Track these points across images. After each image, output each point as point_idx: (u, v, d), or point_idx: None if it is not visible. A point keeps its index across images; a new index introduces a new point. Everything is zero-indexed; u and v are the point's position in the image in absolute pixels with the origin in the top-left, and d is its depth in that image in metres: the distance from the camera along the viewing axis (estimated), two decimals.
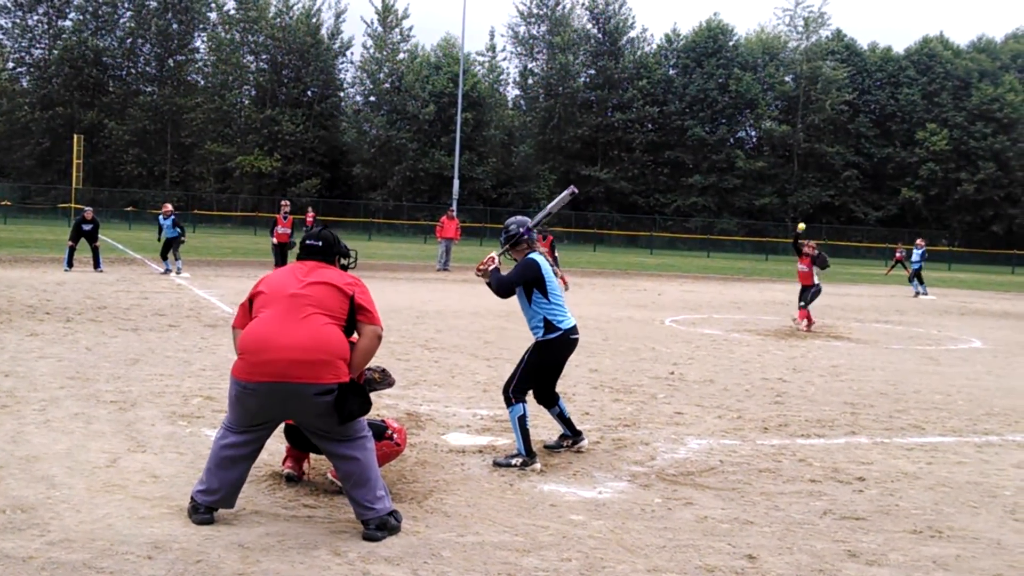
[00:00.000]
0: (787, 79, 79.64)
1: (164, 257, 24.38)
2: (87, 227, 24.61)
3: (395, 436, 6.38)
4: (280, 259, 25.29)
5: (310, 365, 5.29)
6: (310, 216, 42.22)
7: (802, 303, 18.11)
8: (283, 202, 27.32)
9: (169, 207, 24.89)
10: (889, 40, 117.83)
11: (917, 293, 31.31)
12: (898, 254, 46.61)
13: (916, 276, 32.15)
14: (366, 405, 5.49)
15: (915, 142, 76.71)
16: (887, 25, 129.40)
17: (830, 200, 77.65)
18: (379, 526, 5.35)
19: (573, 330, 7.32)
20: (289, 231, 25.61)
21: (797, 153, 77.87)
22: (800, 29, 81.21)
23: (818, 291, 18.34)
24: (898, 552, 5.55)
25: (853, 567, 5.26)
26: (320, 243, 5.80)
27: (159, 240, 24.71)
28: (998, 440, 8.94)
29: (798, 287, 18.54)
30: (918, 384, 12.07)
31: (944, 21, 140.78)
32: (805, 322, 17.95)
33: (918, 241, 32.92)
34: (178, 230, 24.33)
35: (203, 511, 5.44)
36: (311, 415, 5.41)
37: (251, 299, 5.65)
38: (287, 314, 5.41)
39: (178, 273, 23.70)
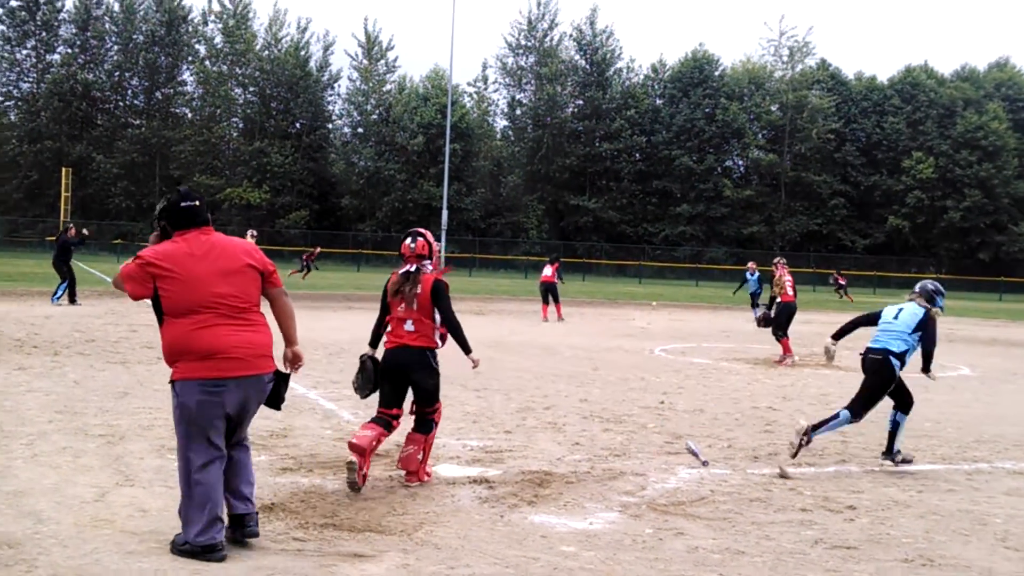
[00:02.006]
0: (773, 108, 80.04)
1: None
2: (75, 242, 23.75)
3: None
4: None
5: (264, 358, 5.59)
6: (316, 251, 43.06)
7: (780, 332, 17.72)
8: (250, 231, 26.33)
9: None
10: (873, 69, 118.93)
11: (759, 316, 29.67)
12: (840, 279, 48.36)
13: (755, 301, 30.14)
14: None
15: (901, 170, 77.11)
16: (871, 54, 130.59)
17: (817, 228, 77.93)
18: (257, 523, 5.62)
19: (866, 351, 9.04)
20: None
21: (784, 182, 78.19)
22: (785, 59, 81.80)
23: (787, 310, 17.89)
24: None
25: None
26: (199, 202, 5.64)
27: None
28: (988, 467, 8.95)
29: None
30: None
31: (928, 50, 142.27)
32: (788, 355, 17.70)
33: (750, 264, 30.96)
34: None
35: (220, 548, 5.39)
36: (255, 405, 5.69)
37: (153, 276, 5.41)
38: (231, 319, 5.49)
39: None
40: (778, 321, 17.71)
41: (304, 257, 45.14)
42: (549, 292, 26.21)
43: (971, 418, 11.82)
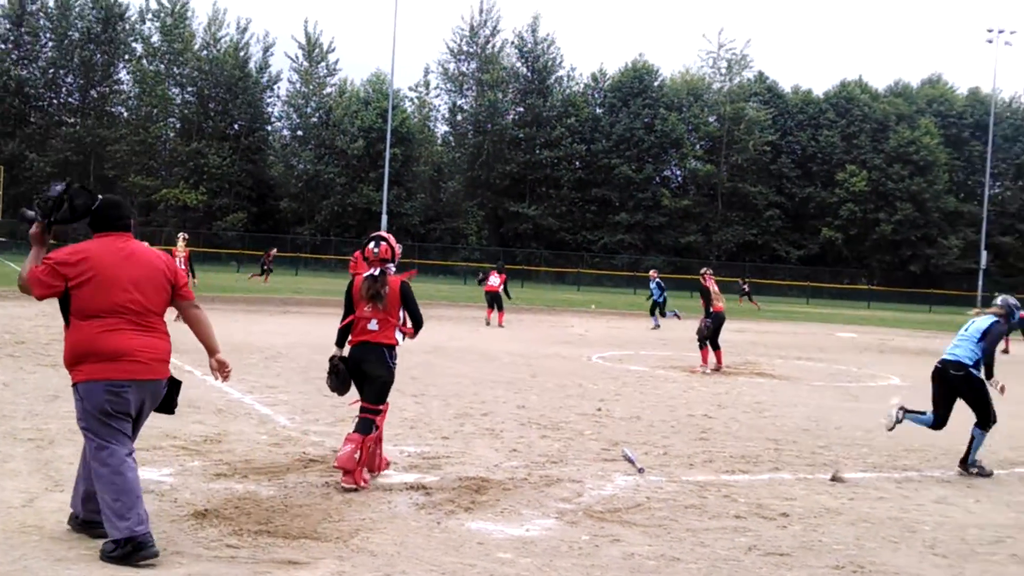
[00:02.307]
0: (711, 120, 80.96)
1: None
2: None
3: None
4: None
5: (163, 363, 5.69)
6: (273, 252, 42.86)
7: (705, 342, 17.67)
8: (181, 234, 25.26)
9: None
10: (810, 83, 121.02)
11: (656, 326, 29.36)
12: (745, 287, 49.06)
13: (657, 308, 30.14)
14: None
15: (835, 183, 78.39)
16: (808, 69, 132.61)
17: (753, 239, 78.93)
18: None
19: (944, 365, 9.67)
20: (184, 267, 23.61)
21: (721, 192, 79.08)
22: (723, 71, 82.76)
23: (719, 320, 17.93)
24: None
25: None
26: (123, 207, 5.83)
27: None
28: (917, 476, 9.12)
29: (725, 324, 18.31)
30: (839, 421, 12.26)
31: (863, 66, 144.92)
32: (704, 365, 17.70)
33: (651, 272, 30.95)
34: None
35: (152, 543, 5.36)
36: (150, 408, 5.73)
37: (66, 277, 5.46)
38: (137, 325, 5.55)
39: None
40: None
41: (264, 261, 45.42)
42: (495, 300, 26.77)
43: (901, 427, 12.00)
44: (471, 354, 18.23)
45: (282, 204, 75.72)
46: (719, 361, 17.77)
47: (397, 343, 7.73)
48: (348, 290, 7.82)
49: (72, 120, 75.93)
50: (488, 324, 26.41)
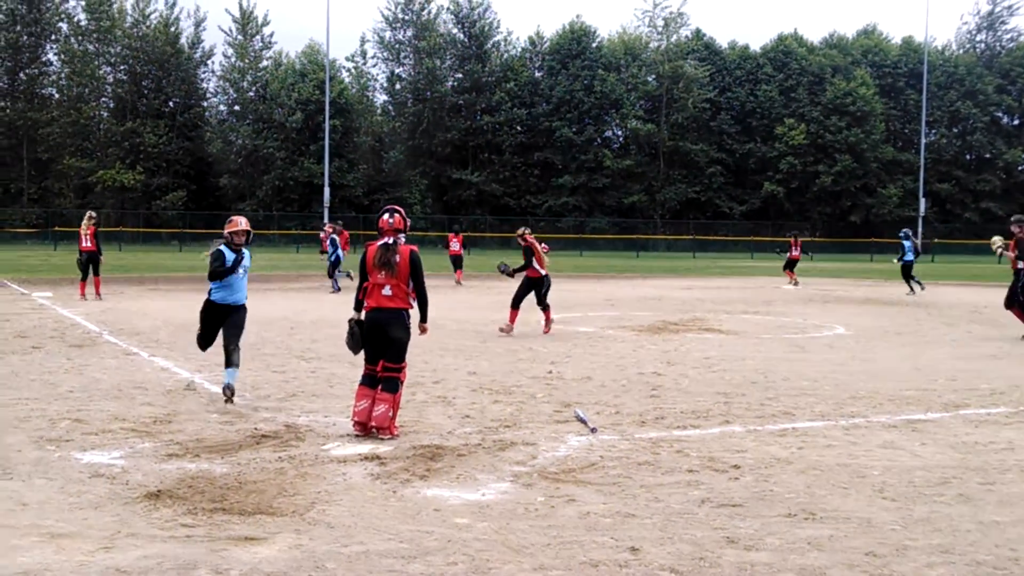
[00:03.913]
0: (650, 79, 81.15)
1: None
2: None
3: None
4: (84, 270, 22.47)
5: None
6: (328, 228, 41.07)
7: (529, 304, 17.38)
8: (89, 212, 24.40)
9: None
10: (747, 38, 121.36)
11: (336, 289, 26.51)
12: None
13: (336, 269, 27.49)
14: None
15: (774, 137, 79.05)
16: (744, 24, 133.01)
17: (696, 196, 79.45)
18: None
19: None
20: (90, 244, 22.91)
21: (663, 151, 79.42)
22: (660, 30, 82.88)
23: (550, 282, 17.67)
24: (774, 536, 5.70)
25: (732, 553, 5.39)
26: None
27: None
28: (864, 422, 9.26)
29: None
30: (787, 372, 12.41)
31: (798, 19, 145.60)
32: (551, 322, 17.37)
33: (327, 228, 28.99)
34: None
35: None
36: None
37: None
38: None
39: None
40: (541, 292, 17.40)
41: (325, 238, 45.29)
42: (458, 261, 31.26)
43: (847, 375, 12.21)
44: None
45: (222, 181, 74.79)
46: (548, 321, 17.35)
47: (411, 307, 8.46)
48: (362, 259, 8.48)
49: (1, 104, 74.30)
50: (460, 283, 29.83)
